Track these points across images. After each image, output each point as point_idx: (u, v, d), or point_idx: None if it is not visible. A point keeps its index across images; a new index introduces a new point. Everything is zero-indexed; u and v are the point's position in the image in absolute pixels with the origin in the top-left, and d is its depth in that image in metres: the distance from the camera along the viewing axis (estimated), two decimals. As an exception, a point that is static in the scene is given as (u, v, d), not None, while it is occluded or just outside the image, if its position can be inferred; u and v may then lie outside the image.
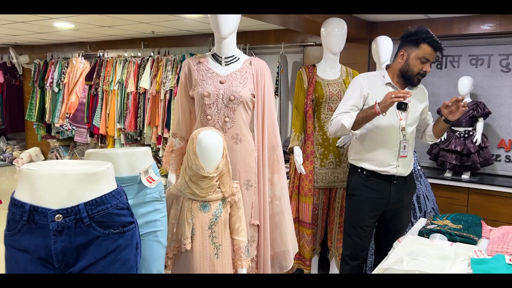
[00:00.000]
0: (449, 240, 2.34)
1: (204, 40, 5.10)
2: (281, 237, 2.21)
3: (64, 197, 1.16)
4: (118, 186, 1.31)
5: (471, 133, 3.66)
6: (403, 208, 2.57)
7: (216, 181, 1.81)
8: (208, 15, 2.07)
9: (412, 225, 3.28)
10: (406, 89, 2.39)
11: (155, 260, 1.65)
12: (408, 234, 2.51)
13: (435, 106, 3.90)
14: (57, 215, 1.16)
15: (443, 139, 3.77)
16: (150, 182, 1.59)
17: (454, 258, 2.07)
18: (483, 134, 3.65)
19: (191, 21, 4.19)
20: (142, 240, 1.58)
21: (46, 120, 6.45)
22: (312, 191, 2.83)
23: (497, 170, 3.85)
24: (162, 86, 5.04)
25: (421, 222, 2.69)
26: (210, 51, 5.44)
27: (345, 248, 2.63)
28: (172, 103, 4.95)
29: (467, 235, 2.37)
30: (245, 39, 4.88)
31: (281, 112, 4.60)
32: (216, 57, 2.14)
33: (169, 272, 1.97)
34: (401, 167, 2.43)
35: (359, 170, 2.47)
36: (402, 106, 2.34)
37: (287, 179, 3.04)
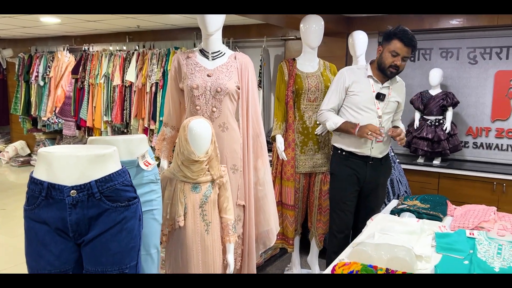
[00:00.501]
0: (417, 217, 2.55)
1: (189, 34, 5.24)
2: (265, 218, 2.42)
3: (78, 176, 1.35)
4: (122, 166, 1.49)
5: (441, 121, 3.92)
6: (378, 187, 2.87)
7: (206, 165, 2.00)
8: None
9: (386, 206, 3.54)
10: (386, 83, 2.71)
11: (152, 235, 1.84)
12: (380, 214, 2.74)
13: (408, 97, 4.15)
14: (72, 191, 1.34)
15: (415, 127, 4.02)
16: (147, 166, 1.78)
17: (420, 233, 2.27)
18: (452, 122, 3.91)
19: (176, 16, 4.34)
20: (140, 218, 1.76)
21: (32, 113, 6.49)
22: (293, 176, 3.05)
23: (465, 156, 4.13)
24: (147, 79, 5.16)
25: (393, 203, 2.91)
26: (194, 45, 5.58)
27: (332, 223, 2.92)
28: (158, 96, 5.09)
29: (433, 213, 2.58)
30: (229, 33, 5.01)
31: (264, 103, 4.79)
32: (203, 52, 2.32)
33: (164, 248, 2.16)
34: (375, 149, 2.72)
35: (339, 151, 2.81)
36: (380, 97, 2.67)
37: (271, 165, 3.25)
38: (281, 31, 4.78)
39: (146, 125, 5.23)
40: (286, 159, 2.95)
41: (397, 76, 2.78)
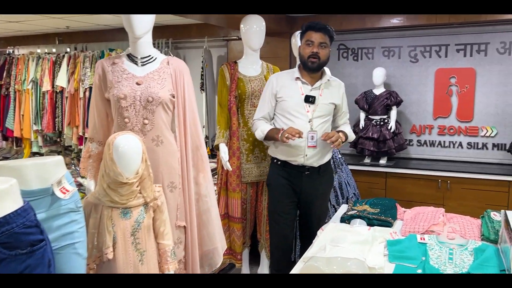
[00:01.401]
0: (368, 224, 2.48)
1: (125, 34, 4.80)
2: (209, 236, 2.22)
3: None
4: (24, 202, 1.23)
5: (386, 120, 3.91)
6: (317, 198, 2.69)
7: (137, 187, 1.77)
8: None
9: (335, 210, 3.46)
10: (317, 84, 2.56)
11: (75, 272, 1.58)
12: (330, 221, 2.64)
13: (353, 96, 4.13)
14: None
15: (361, 128, 3.99)
16: (64, 193, 1.52)
17: (372, 241, 2.20)
18: (396, 121, 3.92)
19: (108, 16, 4.01)
20: (60, 254, 1.51)
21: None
22: (240, 186, 2.87)
23: (410, 154, 4.16)
24: (80, 83, 4.79)
25: (343, 209, 2.83)
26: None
27: (271, 236, 2.76)
28: (93, 102, 4.73)
29: (384, 218, 2.54)
30: (167, 34, 4.77)
31: (208, 107, 4.58)
32: (131, 58, 2.07)
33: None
34: (310, 157, 2.54)
35: (274, 160, 2.66)
36: (309, 99, 2.51)
37: (215, 175, 3.05)
38: (223, 31, 4.61)
39: (81, 133, 4.85)
40: (230, 169, 2.76)
41: (332, 77, 2.67)
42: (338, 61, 4.34)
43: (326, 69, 3.20)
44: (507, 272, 1.75)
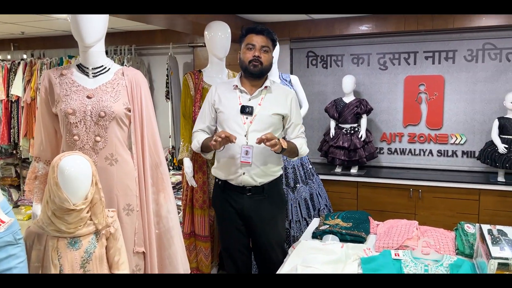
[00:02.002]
0: (340, 240, 2.40)
1: (84, 41, 4.66)
2: (170, 259, 2.04)
3: None
4: None
5: (356, 129, 3.84)
6: (264, 224, 2.34)
7: (87, 213, 1.58)
8: (68, 18, 1.81)
9: (307, 224, 3.34)
10: (256, 93, 2.27)
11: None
12: (302, 237, 2.53)
13: (323, 105, 4.05)
14: None
15: (331, 136, 3.90)
16: (-1, 225, 1.33)
17: (345, 260, 2.11)
18: (367, 130, 3.85)
19: (65, 21, 3.78)
20: (-4, 293, 1.32)
21: None
22: (207, 203, 2.70)
23: (381, 162, 4.11)
24: (37, 92, 4.53)
25: (314, 223, 2.72)
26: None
27: (223, 258, 2.54)
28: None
29: (357, 233, 2.46)
30: (130, 40, 4.57)
31: (174, 116, 4.40)
32: (81, 68, 1.88)
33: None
34: (248, 175, 2.23)
35: (216, 179, 2.38)
36: (246, 110, 2.22)
37: (180, 190, 2.88)
38: (189, 37, 4.45)
39: (38, 146, 4.57)
40: (195, 185, 2.59)
41: (279, 84, 2.43)
42: (307, 69, 4.25)
43: (273, 74, 2.99)
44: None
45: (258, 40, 2.21)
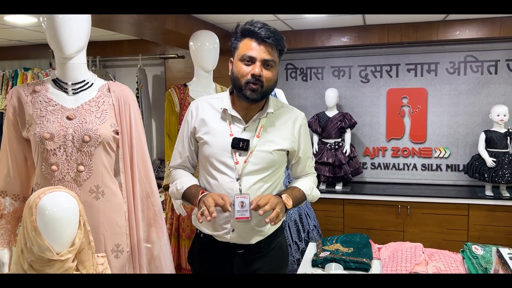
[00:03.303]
0: (344, 268, 2.22)
1: (43, 51, 4.26)
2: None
3: None
4: None
5: (340, 144, 3.69)
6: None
7: (73, 262, 1.28)
8: (43, 25, 1.51)
9: (298, 248, 3.13)
10: (253, 120, 1.62)
11: None
12: (300, 268, 2.30)
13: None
14: None
15: (315, 152, 3.74)
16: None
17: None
18: (351, 144, 3.72)
19: (22, 30, 3.39)
20: None
21: None
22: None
23: (365, 178, 3.98)
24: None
25: (311, 249, 2.52)
26: (50, 65, 4.58)
27: None
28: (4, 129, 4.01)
29: (360, 260, 2.29)
30: (94, 51, 4.22)
31: (147, 133, 4.07)
32: (59, 84, 1.57)
33: None
34: (237, 233, 1.60)
35: (197, 232, 1.73)
36: (239, 145, 1.57)
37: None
38: (159, 48, 4.17)
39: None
40: (184, 213, 2.31)
41: (284, 104, 1.74)
42: (287, 82, 4.08)
43: (277, 94, 2.74)
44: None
45: (260, 51, 1.51)
